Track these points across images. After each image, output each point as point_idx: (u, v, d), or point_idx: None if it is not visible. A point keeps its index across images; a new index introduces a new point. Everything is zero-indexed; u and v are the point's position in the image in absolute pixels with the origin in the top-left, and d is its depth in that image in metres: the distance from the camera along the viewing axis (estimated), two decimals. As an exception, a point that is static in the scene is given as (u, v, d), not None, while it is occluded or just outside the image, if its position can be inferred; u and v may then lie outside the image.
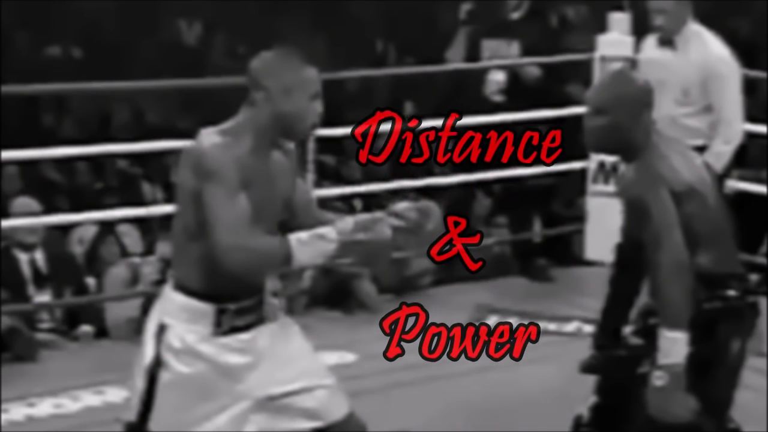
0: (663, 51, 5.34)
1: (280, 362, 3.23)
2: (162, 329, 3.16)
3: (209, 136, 3.09)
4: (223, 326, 3.16)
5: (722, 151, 5.18)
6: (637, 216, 3.47)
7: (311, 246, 3.04)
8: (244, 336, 3.19)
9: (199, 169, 3.05)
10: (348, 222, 3.07)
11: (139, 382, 3.17)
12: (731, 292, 3.52)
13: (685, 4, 5.28)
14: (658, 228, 3.39)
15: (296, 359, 3.26)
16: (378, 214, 3.11)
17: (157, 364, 3.15)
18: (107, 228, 6.91)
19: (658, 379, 3.38)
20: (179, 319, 3.16)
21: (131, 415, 3.19)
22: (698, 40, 5.26)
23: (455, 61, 7.11)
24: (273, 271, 3.19)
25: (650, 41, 5.48)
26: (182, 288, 3.17)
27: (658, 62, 5.29)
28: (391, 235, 3.08)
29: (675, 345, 3.36)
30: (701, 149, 4.83)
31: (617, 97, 3.52)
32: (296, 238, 3.05)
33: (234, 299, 3.17)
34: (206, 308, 3.15)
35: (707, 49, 5.23)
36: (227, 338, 3.17)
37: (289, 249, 3.03)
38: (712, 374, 3.48)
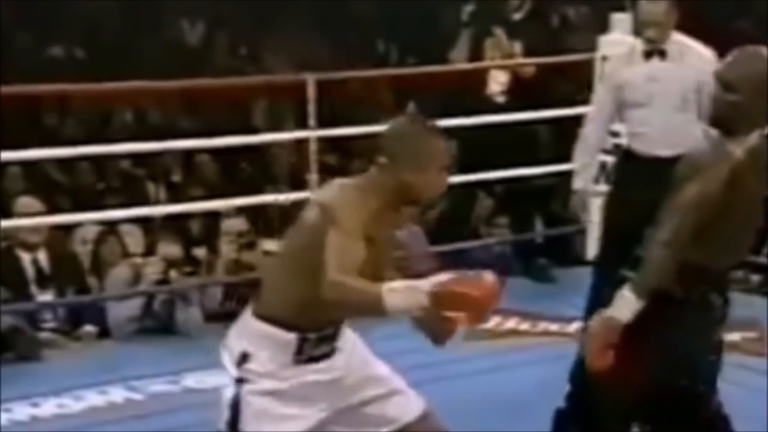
0: (651, 63, 5.24)
1: (355, 372, 3.35)
2: (244, 358, 3.23)
3: (343, 189, 3.16)
4: (304, 354, 3.24)
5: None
6: (675, 187, 3.44)
7: (402, 293, 3.02)
8: (322, 365, 3.28)
9: (329, 216, 3.10)
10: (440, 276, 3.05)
11: (225, 413, 3.24)
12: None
13: (673, 14, 5.21)
14: (685, 201, 3.37)
15: (367, 368, 3.39)
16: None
17: (239, 387, 3.22)
18: (109, 228, 6.92)
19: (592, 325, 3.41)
20: (261, 346, 3.23)
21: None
22: (686, 46, 5.19)
23: (458, 62, 7.12)
24: (366, 314, 3.21)
25: (635, 58, 5.33)
26: (269, 317, 3.23)
27: (647, 76, 5.20)
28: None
29: (626, 305, 3.37)
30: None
31: (747, 76, 3.48)
32: (387, 286, 3.05)
33: (317, 330, 3.25)
34: (290, 337, 3.23)
35: (699, 54, 5.18)
36: (307, 366, 3.26)
37: (380, 293, 3.01)
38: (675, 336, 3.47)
